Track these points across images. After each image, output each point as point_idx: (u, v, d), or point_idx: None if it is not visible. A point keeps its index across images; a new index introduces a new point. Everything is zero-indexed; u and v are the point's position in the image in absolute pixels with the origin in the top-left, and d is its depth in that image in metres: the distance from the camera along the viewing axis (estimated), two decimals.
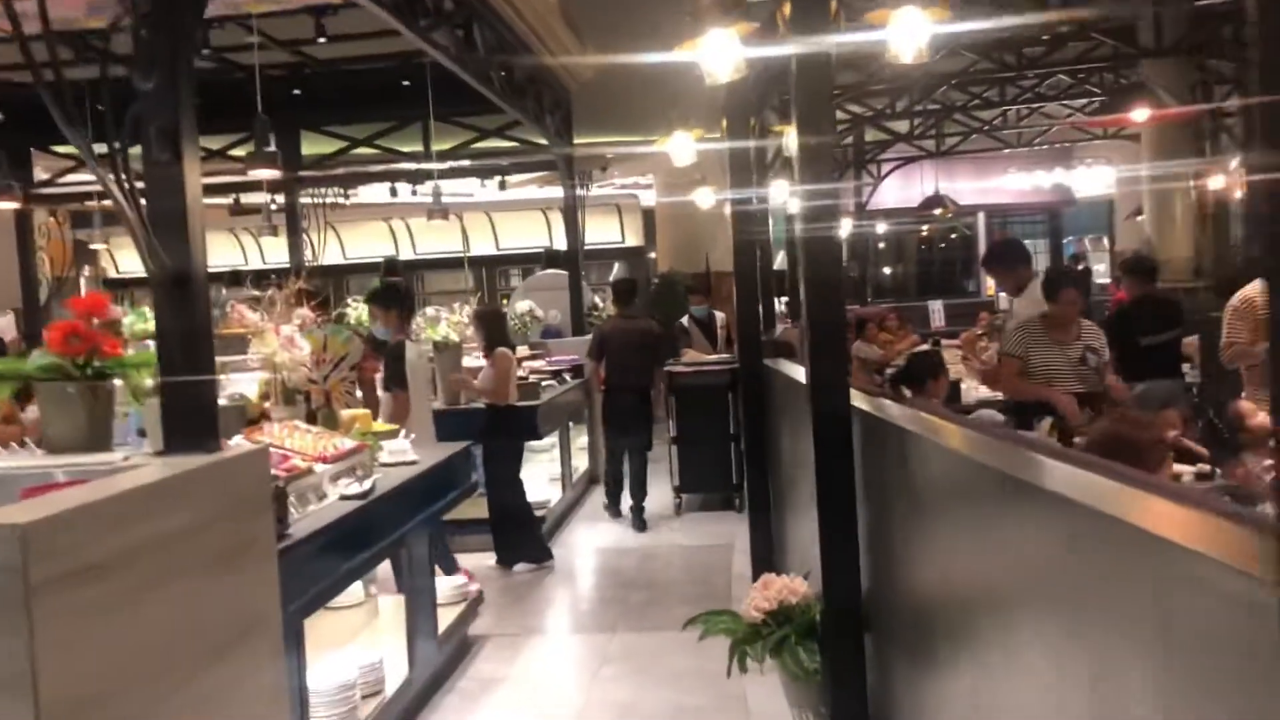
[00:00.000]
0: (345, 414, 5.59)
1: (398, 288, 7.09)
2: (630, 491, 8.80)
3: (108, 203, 2.87)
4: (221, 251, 16.64)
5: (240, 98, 8.90)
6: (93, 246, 17.04)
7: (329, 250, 16.77)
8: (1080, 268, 19.87)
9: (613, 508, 8.98)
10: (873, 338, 11.92)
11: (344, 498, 4.34)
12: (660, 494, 9.09)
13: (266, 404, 5.24)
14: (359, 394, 6.35)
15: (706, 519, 8.96)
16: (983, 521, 2.40)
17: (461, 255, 15.84)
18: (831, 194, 3.59)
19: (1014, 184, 20.91)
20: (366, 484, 4.44)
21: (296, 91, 10.28)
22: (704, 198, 9.58)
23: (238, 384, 5.58)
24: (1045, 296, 5.30)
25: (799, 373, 4.76)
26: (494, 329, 7.44)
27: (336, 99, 10.53)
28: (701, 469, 9.01)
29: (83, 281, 19.84)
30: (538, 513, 8.15)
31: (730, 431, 8.85)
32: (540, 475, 9.64)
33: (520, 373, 8.53)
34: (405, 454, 5.22)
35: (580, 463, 10.31)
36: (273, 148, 6.23)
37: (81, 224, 18.07)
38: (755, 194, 6.66)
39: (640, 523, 8.65)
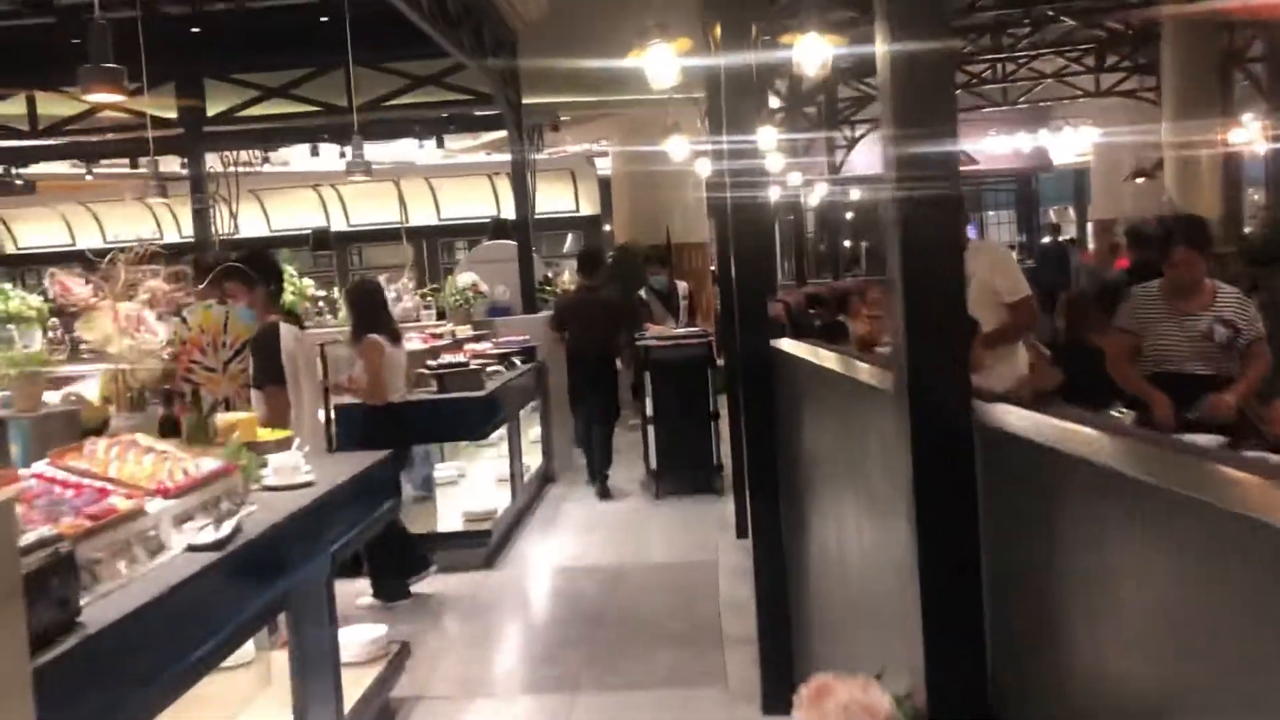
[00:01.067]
0: (222, 419, 4.25)
1: (264, 257, 5.71)
2: (595, 462, 8.73)
3: None
4: (133, 223, 15.07)
5: (131, 39, 7.47)
6: None
7: (252, 222, 15.27)
8: (1062, 238, 18.86)
9: (590, 478, 8.85)
10: (857, 314, 10.69)
11: (192, 548, 3.00)
12: (637, 476, 8.92)
13: (113, 408, 3.90)
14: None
15: (686, 505, 8.22)
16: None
17: (399, 226, 14.41)
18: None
19: (988, 148, 19.84)
20: (227, 526, 3.10)
21: (196, 30, 8.79)
22: (677, 146, 8.30)
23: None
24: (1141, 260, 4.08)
25: (833, 361, 3.48)
26: (365, 311, 6.05)
27: (243, 41, 9.05)
28: (679, 448, 8.44)
29: None
30: (482, 524, 6.85)
31: (709, 409, 8.38)
32: (485, 477, 8.32)
33: (460, 358, 7.19)
34: (297, 472, 3.87)
35: (533, 459, 8.99)
36: (114, 64, 4.80)
37: None
38: (750, 139, 5.35)
39: (604, 489, 8.60)
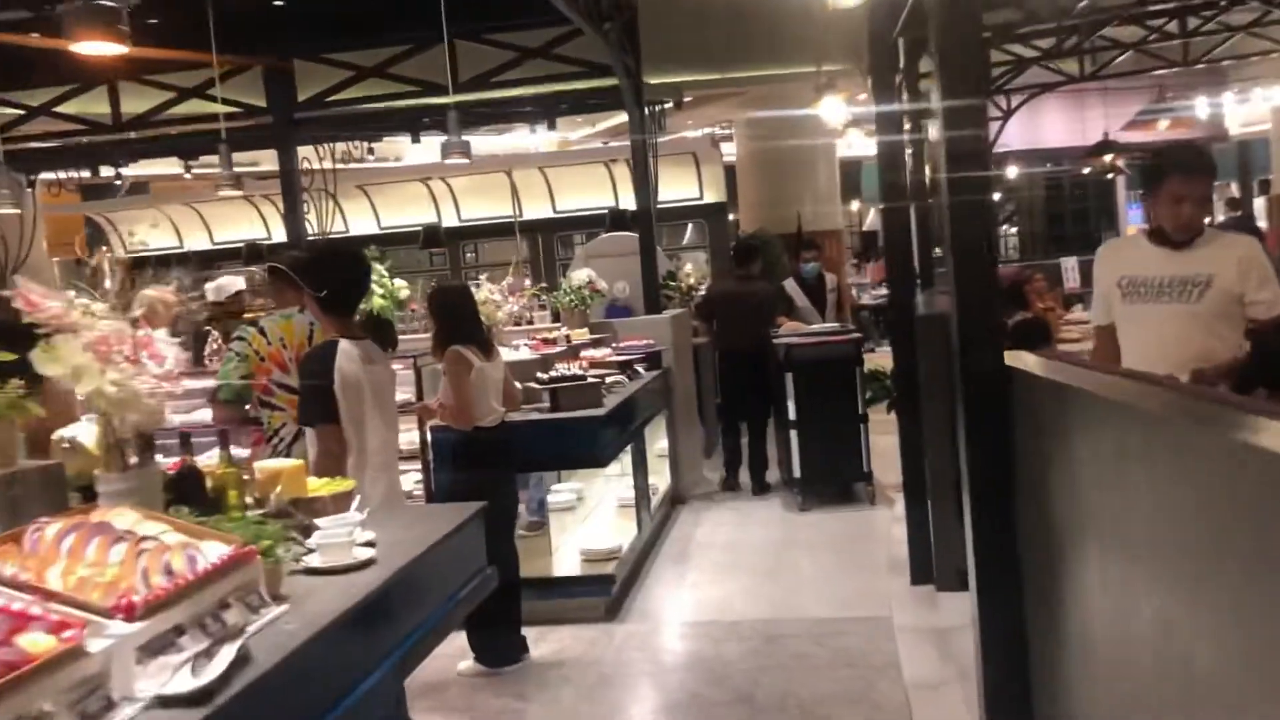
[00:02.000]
0: (265, 467, 3.26)
1: (323, 252, 4.73)
2: (750, 468, 8.44)
3: None
4: (239, 223, 14.51)
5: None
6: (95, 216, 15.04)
7: (361, 220, 14.56)
8: (1240, 213, 16.88)
9: (731, 479, 8.56)
10: (1033, 306, 9.27)
11: (163, 702, 1.97)
12: (779, 489, 8.34)
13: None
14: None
15: (836, 523, 7.49)
16: None
17: (512, 220, 13.47)
18: None
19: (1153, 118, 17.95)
20: (221, 659, 2.06)
21: (279, 2, 7.92)
22: (833, 110, 7.23)
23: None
24: None
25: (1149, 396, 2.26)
26: (448, 319, 5.05)
27: (332, 17, 8.16)
28: (826, 457, 7.80)
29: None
30: (604, 566, 5.79)
31: (858, 412, 7.78)
32: (605, 501, 7.26)
33: (575, 369, 6.12)
34: (349, 547, 2.83)
35: (659, 478, 7.89)
36: (111, 2, 3.81)
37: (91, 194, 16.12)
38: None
39: (763, 485, 8.37)
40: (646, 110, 8.86)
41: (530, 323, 8.13)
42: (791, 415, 7.71)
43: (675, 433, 8.27)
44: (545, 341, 7.00)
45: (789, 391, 7.73)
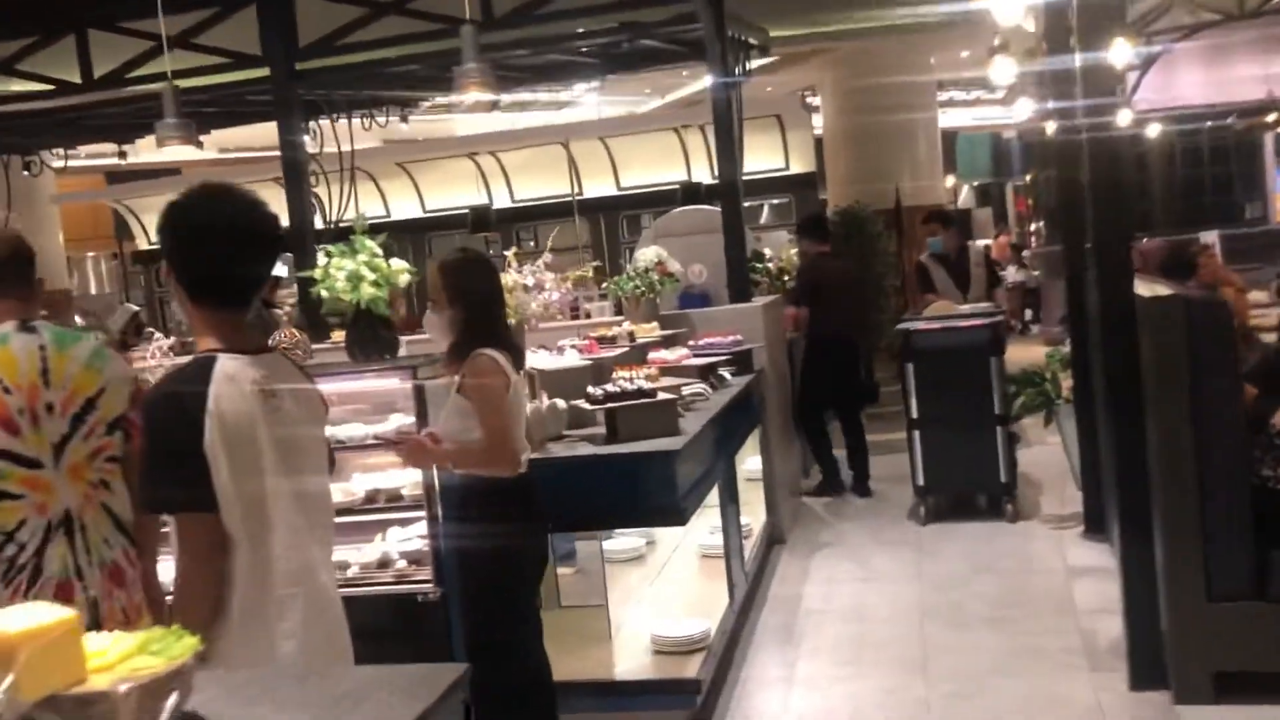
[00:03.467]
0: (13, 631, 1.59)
1: (184, 205, 2.80)
2: (854, 466, 7.58)
3: None
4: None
5: None
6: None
7: (404, 203, 12.99)
8: None
9: (836, 482, 7.60)
10: (1211, 280, 7.36)
11: None
12: (900, 495, 7.17)
13: None
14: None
15: (970, 547, 6.13)
16: None
17: (570, 199, 11.77)
18: None
19: None
20: None
21: None
22: (1002, 69, 5.60)
23: None
24: None
25: None
26: (479, 306, 3.45)
27: None
28: (953, 461, 6.64)
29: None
30: (685, 661, 4.08)
31: (994, 411, 6.50)
32: (681, 557, 5.55)
33: (641, 379, 4.40)
34: None
35: (751, 513, 6.13)
36: None
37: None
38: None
39: (867, 488, 7.51)
40: (730, 58, 7.07)
41: (585, 315, 6.44)
42: (913, 413, 6.63)
43: (770, 452, 6.52)
44: (601, 341, 5.30)
45: (910, 385, 6.65)
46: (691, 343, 6.03)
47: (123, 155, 10.08)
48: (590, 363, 4.63)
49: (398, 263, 4.42)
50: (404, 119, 9.88)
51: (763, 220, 14.66)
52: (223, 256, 2.17)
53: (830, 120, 13.98)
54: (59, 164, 12.06)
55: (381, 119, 9.24)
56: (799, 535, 6.66)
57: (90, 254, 18.14)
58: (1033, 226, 21.82)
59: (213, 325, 2.20)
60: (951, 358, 6.57)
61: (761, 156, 11.36)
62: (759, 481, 6.54)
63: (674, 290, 6.45)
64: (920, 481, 6.67)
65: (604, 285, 6.93)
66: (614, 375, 4.73)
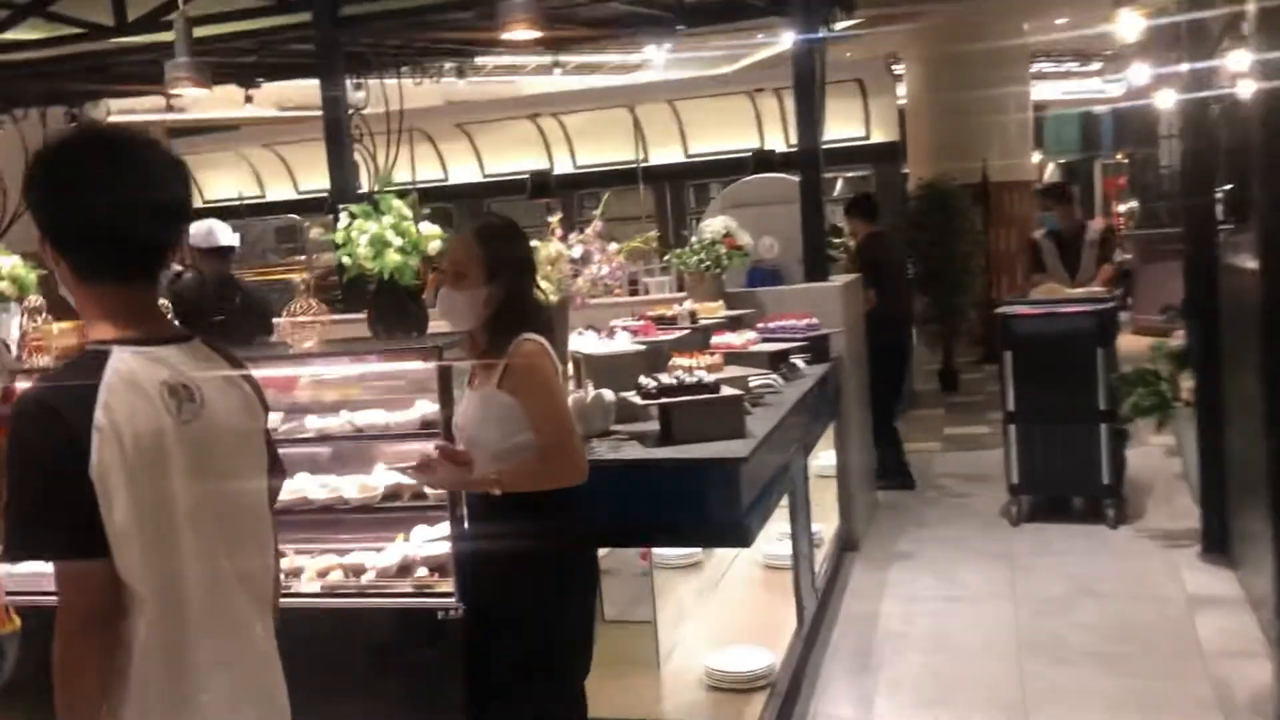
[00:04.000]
0: None
1: (57, 153, 2.09)
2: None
3: None
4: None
5: None
6: None
7: (462, 167, 12.45)
8: None
9: (905, 475, 7.16)
10: None
11: None
12: (986, 496, 6.65)
13: None
14: None
15: (1070, 557, 5.59)
16: None
17: (635, 165, 11.13)
18: None
19: None
20: None
21: None
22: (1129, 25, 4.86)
23: None
24: None
25: None
26: (521, 279, 2.89)
27: None
28: (1052, 459, 6.08)
29: None
30: (748, 696, 3.48)
31: (1099, 406, 5.93)
32: (741, 567, 4.93)
33: (701, 369, 3.80)
34: None
35: (823, 517, 5.49)
36: None
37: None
38: None
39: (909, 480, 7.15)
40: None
41: (644, 291, 5.83)
42: (1010, 405, 6.15)
43: (847, 449, 5.87)
44: (658, 322, 4.68)
45: (1008, 375, 6.18)
46: (760, 325, 5.38)
47: (170, 107, 9.62)
48: (644, 348, 4.01)
49: (429, 227, 3.84)
50: (461, 73, 9.28)
51: (836, 193, 13.90)
52: (112, 216, 1.59)
53: (915, 89, 13.17)
54: (110, 117, 11.71)
55: (434, 75, 8.67)
56: (874, 541, 6.01)
57: None
58: (1123, 207, 20.69)
59: (105, 308, 1.63)
60: (1054, 346, 6.02)
61: (841, 124, 10.58)
62: (831, 478, 5.90)
63: (742, 266, 5.80)
64: (1014, 479, 6.16)
65: (665, 258, 6.30)
66: (671, 363, 4.12)
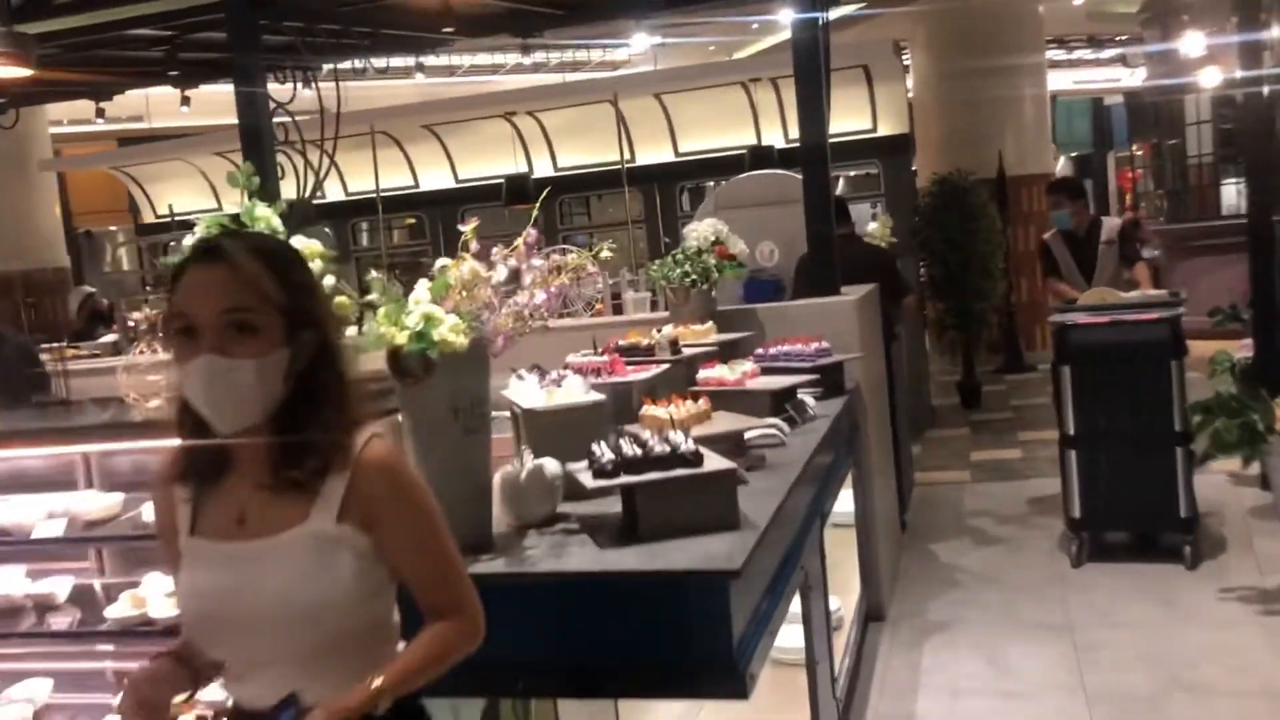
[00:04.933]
0: None
1: None
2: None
3: None
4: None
5: None
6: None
7: (434, 172, 11.44)
8: None
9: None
10: None
11: None
12: (1031, 536, 5.84)
13: None
14: None
15: (1135, 614, 4.70)
16: None
17: (619, 167, 10.12)
18: None
19: None
20: None
21: None
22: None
23: None
24: None
25: None
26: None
27: None
28: (1120, 490, 5.27)
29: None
30: None
31: (1175, 428, 5.12)
32: None
33: (680, 422, 2.78)
34: None
35: (840, 586, 4.47)
36: None
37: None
38: None
39: None
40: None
41: (611, 310, 4.82)
42: (1070, 428, 5.35)
43: (867, 497, 4.85)
44: (628, 355, 3.67)
45: (1066, 393, 5.35)
46: (760, 352, 4.36)
47: (100, 113, 8.63)
48: (602, 398, 2.99)
49: (306, 242, 2.83)
50: (421, 68, 8.27)
51: (838, 191, 12.87)
52: None
53: (923, 77, 12.18)
54: (59, 128, 10.77)
55: (383, 71, 7.64)
56: (903, 607, 5.00)
57: (113, 228, 16.91)
58: (1140, 203, 19.69)
59: None
60: (1122, 359, 5.24)
61: (844, 116, 9.61)
62: (849, 527, 4.87)
63: (737, 279, 4.77)
64: (1075, 513, 5.37)
65: (646, 269, 5.31)
66: (642, 413, 3.11)
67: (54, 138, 13.63)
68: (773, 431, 3.38)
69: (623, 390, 3.34)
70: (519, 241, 2.61)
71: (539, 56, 12.60)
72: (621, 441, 2.58)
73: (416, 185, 11.49)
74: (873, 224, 8.18)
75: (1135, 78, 17.53)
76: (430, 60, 11.58)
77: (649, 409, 3.12)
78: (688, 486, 2.44)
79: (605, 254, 2.84)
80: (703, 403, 3.19)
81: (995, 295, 10.06)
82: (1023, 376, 11.26)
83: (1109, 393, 5.22)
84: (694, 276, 4.52)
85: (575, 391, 2.91)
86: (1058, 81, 20.09)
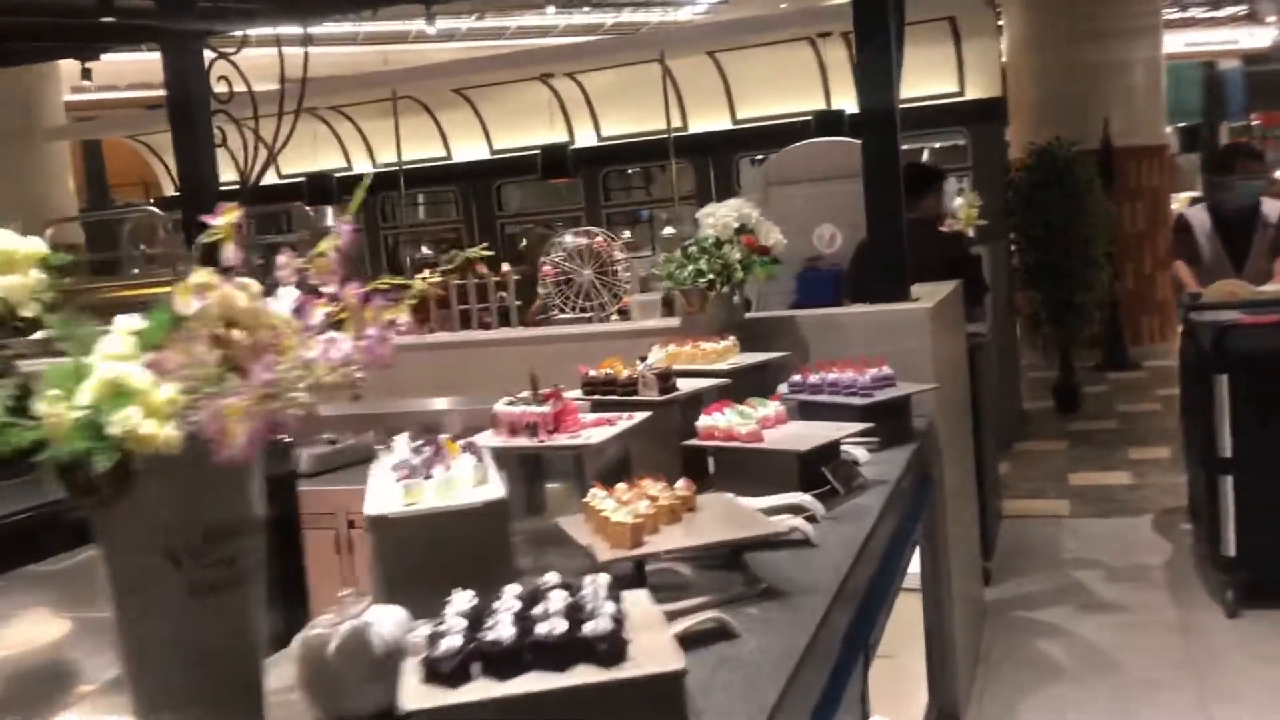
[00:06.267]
0: None
1: None
2: None
3: None
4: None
5: None
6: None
7: (469, 144, 10.41)
8: None
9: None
10: None
11: None
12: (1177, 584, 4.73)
13: None
14: None
15: None
16: None
17: (665, 135, 8.96)
18: None
19: None
20: None
21: None
22: None
23: None
24: None
25: None
26: None
27: None
28: None
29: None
30: None
31: None
32: None
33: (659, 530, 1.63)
34: None
35: (903, 689, 3.33)
36: None
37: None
38: None
39: None
40: None
41: (596, 310, 3.73)
42: (1225, 449, 4.46)
43: (940, 563, 3.68)
44: (596, 393, 2.57)
45: (1222, 407, 4.44)
46: (796, 379, 3.21)
47: (86, 74, 7.76)
48: (502, 496, 1.85)
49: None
50: (429, 19, 7.22)
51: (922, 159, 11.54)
52: None
53: (1019, 34, 10.79)
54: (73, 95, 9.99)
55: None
56: (986, 707, 3.83)
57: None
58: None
59: None
60: None
61: (925, 77, 8.33)
62: (913, 592, 3.70)
63: (768, 276, 3.58)
64: (1230, 550, 4.43)
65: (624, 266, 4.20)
66: (587, 501, 2.00)
67: (82, 105, 12.92)
68: (796, 524, 2.25)
69: (561, 460, 2.23)
70: (326, 244, 1.49)
71: (592, 18, 11.50)
72: (501, 602, 1.47)
73: (449, 156, 10.46)
74: (958, 199, 6.92)
75: (1257, 38, 15.79)
76: (474, 24, 10.55)
77: (595, 496, 2.01)
78: (592, 705, 1.33)
79: (474, 253, 1.72)
80: (667, 494, 2.06)
81: (1100, 285, 8.72)
82: (1127, 375, 9.93)
83: (1273, 405, 4.32)
84: (710, 277, 3.37)
85: (459, 483, 1.80)
86: (1168, 44, 18.41)
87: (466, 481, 1.81)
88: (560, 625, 1.36)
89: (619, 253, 5.79)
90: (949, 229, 6.17)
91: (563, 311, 5.69)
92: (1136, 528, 5.63)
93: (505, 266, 6.30)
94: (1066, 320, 8.52)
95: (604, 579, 1.53)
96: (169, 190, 11.66)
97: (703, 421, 2.69)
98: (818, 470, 2.60)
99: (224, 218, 1.41)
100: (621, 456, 2.44)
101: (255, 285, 1.39)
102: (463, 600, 1.49)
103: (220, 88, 5.07)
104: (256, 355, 1.36)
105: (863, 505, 2.54)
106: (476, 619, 1.43)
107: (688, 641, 1.71)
